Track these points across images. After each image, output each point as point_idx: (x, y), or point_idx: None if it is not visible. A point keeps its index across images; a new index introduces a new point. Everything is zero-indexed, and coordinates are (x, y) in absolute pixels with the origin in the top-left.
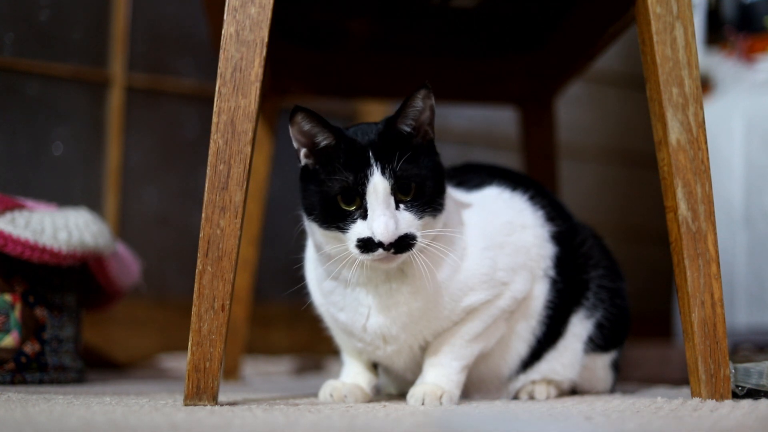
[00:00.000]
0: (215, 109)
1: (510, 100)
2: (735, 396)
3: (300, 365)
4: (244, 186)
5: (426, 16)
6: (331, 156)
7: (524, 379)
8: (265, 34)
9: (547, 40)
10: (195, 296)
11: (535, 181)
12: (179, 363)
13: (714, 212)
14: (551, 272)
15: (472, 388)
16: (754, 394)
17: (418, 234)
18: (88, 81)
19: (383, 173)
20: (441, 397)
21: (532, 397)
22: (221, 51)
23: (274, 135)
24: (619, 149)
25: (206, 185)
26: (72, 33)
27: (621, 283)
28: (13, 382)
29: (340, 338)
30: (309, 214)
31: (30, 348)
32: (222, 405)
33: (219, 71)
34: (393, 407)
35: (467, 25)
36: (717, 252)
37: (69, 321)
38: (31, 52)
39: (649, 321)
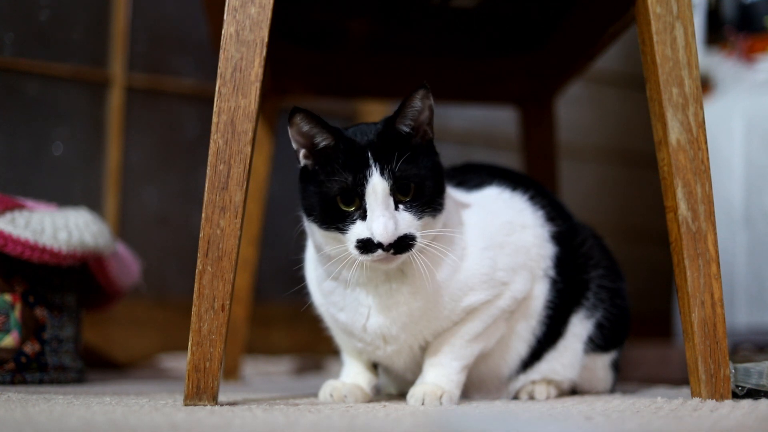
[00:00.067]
0: (215, 109)
1: (510, 100)
2: (735, 396)
3: (300, 365)
4: (244, 186)
5: (426, 16)
6: (330, 157)
7: (524, 379)
8: (265, 34)
9: (547, 40)
10: (195, 296)
11: (535, 181)
12: (179, 363)
13: (714, 212)
14: (551, 272)
15: (472, 388)
16: (754, 394)
17: (417, 234)
18: (88, 81)
19: (382, 174)
20: (441, 397)
21: (532, 397)
22: (221, 51)
23: (274, 135)
24: (619, 149)
25: (206, 185)
26: (72, 33)
27: (621, 283)
28: (13, 382)
29: (340, 338)
30: (308, 215)
31: (30, 348)
32: (222, 405)
33: (219, 71)
34: (393, 407)
35: (467, 25)
36: (717, 252)
37: (69, 321)
38: (31, 52)
39: (649, 321)
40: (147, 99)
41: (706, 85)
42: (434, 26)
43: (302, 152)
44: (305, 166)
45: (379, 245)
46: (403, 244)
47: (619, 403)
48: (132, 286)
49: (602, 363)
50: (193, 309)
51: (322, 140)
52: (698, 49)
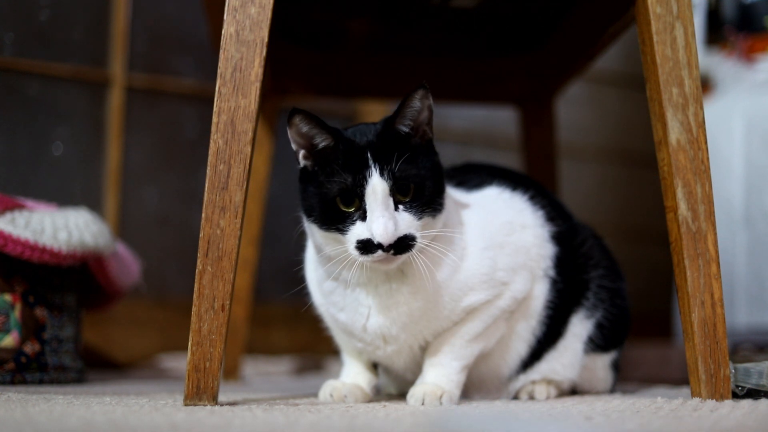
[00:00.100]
0: (215, 109)
1: (510, 100)
2: (735, 396)
3: (300, 365)
4: (244, 186)
5: (426, 16)
6: (330, 157)
7: (524, 379)
8: (265, 34)
9: (547, 40)
10: (195, 296)
11: (535, 181)
12: (179, 363)
13: (714, 212)
14: (551, 272)
15: (472, 388)
16: (754, 394)
17: (417, 235)
18: (88, 81)
19: (382, 174)
20: (441, 397)
21: (532, 397)
22: (221, 51)
23: (274, 135)
24: (619, 149)
25: (206, 185)
26: (72, 33)
27: (621, 283)
28: (13, 382)
29: (340, 338)
30: (308, 215)
31: (30, 348)
32: (222, 405)
33: (219, 71)
34: (393, 407)
35: (467, 25)
36: (717, 252)
37: (69, 321)
38: (31, 52)
39: (649, 321)
40: (147, 99)
41: (706, 85)
42: (434, 26)
43: (302, 153)
44: (305, 167)
45: (379, 246)
46: (403, 244)
47: (619, 403)
48: (132, 286)
49: (602, 363)
50: (193, 309)
51: (322, 141)
52: (698, 49)
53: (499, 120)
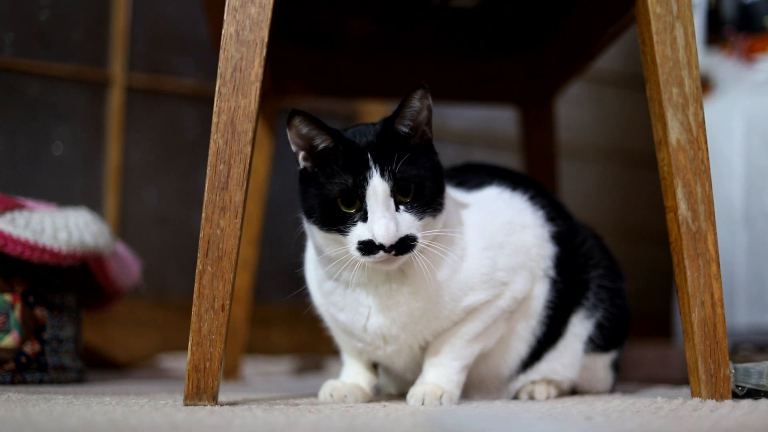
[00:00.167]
0: (215, 109)
1: (510, 100)
2: (735, 396)
3: (300, 365)
4: (244, 186)
5: (426, 16)
6: (330, 158)
7: (524, 379)
8: (265, 34)
9: (547, 40)
10: (195, 296)
11: (535, 181)
12: (179, 363)
13: (714, 212)
14: (551, 272)
15: (472, 388)
16: (754, 394)
17: (418, 235)
18: (88, 81)
19: (382, 175)
20: (441, 397)
21: (532, 397)
22: (221, 51)
23: (274, 135)
24: (619, 149)
25: (206, 185)
26: (72, 33)
27: (621, 283)
28: (13, 382)
29: (340, 338)
30: (309, 217)
31: (30, 348)
32: (222, 405)
33: (219, 71)
34: (393, 407)
35: (467, 25)
36: (717, 252)
37: (69, 321)
38: (31, 52)
39: (649, 321)
40: (147, 99)
41: (706, 85)
42: (434, 26)
43: (301, 154)
44: (304, 169)
45: (381, 247)
46: (404, 245)
47: (619, 403)
48: (132, 286)
49: (602, 363)
50: (193, 309)
51: (321, 142)
52: (698, 49)
53: (499, 120)
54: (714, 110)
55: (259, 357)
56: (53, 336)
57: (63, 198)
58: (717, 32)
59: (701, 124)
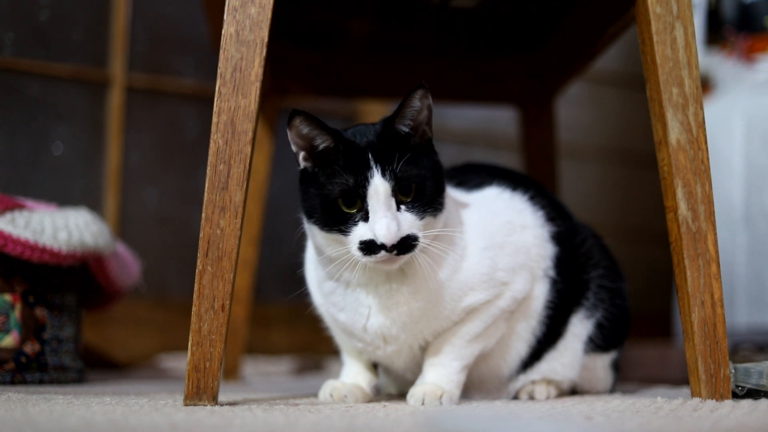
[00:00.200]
0: (215, 109)
1: (510, 100)
2: (735, 396)
3: (300, 365)
4: (244, 186)
5: (426, 16)
6: (331, 159)
7: (524, 379)
8: (265, 34)
9: (547, 40)
10: (195, 296)
11: (535, 181)
12: (179, 363)
13: (714, 212)
14: (551, 272)
15: (472, 388)
16: (754, 394)
17: (419, 234)
18: (88, 81)
19: (383, 175)
20: (441, 397)
21: (532, 397)
22: (221, 51)
23: (274, 135)
24: (619, 149)
25: (206, 185)
26: (72, 33)
27: (621, 283)
28: (13, 382)
29: (340, 338)
30: (309, 217)
31: (30, 348)
32: (222, 405)
33: (219, 71)
34: (393, 407)
35: (467, 25)
36: (717, 252)
37: (69, 321)
38: (31, 52)
39: (649, 321)
40: (147, 99)
41: (706, 85)
42: (434, 26)
43: (302, 155)
44: (305, 169)
45: (382, 246)
46: (406, 244)
47: (619, 403)
48: (132, 286)
49: (602, 363)
50: (193, 309)
51: (322, 142)
52: (698, 49)
53: (499, 120)
54: (714, 110)
55: (259, 357)
56: (53, 336)
57: (63, 198)
58: (717, 32)
59: (701, 124)
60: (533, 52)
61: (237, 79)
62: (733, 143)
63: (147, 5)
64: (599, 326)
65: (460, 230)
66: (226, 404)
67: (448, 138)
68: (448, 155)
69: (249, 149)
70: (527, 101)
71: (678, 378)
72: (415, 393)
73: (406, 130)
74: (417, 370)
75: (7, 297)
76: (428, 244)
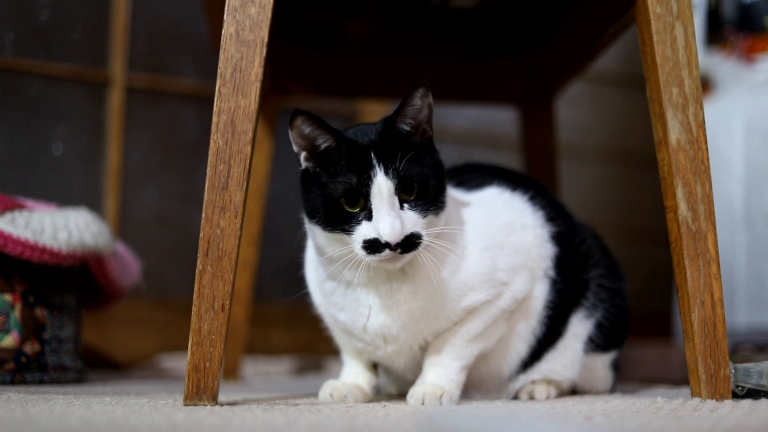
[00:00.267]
0: (215, 109)
1: (510, 100)
2: (735, 396)
3: (300, 365)
4: (244, 186)
5: (426, 16)
6: (333, 158)
7: (524, 379)
8: (265, 34)
9: (547, 40)
10: (195, 296)
11: (535, 181)
12: (179, 363)
13: (714, 212)
14: (551, 272)
15: (472, 388)
16: (754, 394)
17: (423, 233)
18: (88, 81)
19: (386, 173)
20: (441, 397)
21: (532, 397)
22: (221, 51)
23: (274, 135)
24: (619, 149)
25: (206, 185)
26: (72, 33)
27: (621, 282)
28: (13, 382)
29: (340, 338)
30: (311, 217)
31: (30, 348)
32: (222, 405)
33: (219, 71)
34: (393, 407)
35: (467, 25)
36: (717, 252)
37: (69, 321)
38: (31, 52)
39: (649, 321)
40: (147, 99)
41: (706, 85)
42: (434, 26)
43: (303, 155)
44: (306, 169)
45: (387, 245)
46: (409, 243)
47: (619, 403)
48: (132, 286)
49: (602, 363)
50: (193, 309)
51: (324, 142)
52: (698, 49)
53: (499, 120)
54: (714, 110)
55: (259, 357)
56: (53, 336)
57: (63, 198)
58: (717, 32)
59: (701, 124)
60: (533, 52)
61: (237, 79)
62: (733, 143)
63: (147, 5)
64: (599, 326)
65: (461, 229)
66: (226, 404)
67: (448, 138)
68: (448, 155)
69: (249, 149)
70: (527, 101)
71: (678, 378)
72: (415, 393)
73: (408, 128)
74: (417, 370)
75: (7, 297)
76: (431, 242)
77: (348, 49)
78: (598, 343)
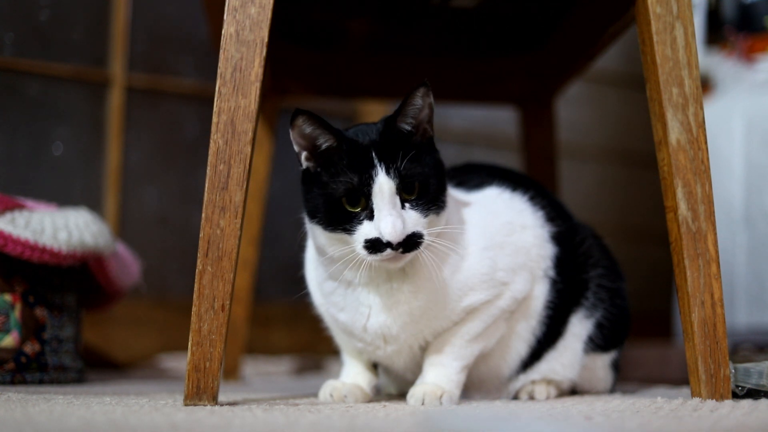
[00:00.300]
0: (215, 109)
1: (510, 100)
2: (735, 396)
3: (300, 365)
4: (244, 186)
5: (426, 16)
6: (334, 158)
7: (524, 379)
8: (265, 34)
9: (547, 40)
10: (195, 296)
11: (535, 181)
12: (179, 363)
13: (714, 212)
14: (551, 272)
15: (472, 388)
16: (754, 394)
17: (424, 232)
18: (88, 81)
19: (388, 173)
20: (441, 397)
21: (532, 397)
22: (221, 51)
23: (274, 135)
24: (619, 149)
25: (206, 185)
26: (72, 33)
27: (621, 282)
28: (13, 382)
29: (340, 338)
30: (312, 217)
31: (30, 348)
32: (222, 405)
33: (219, 71)
34: (393, 407)
35: (467, 25)
36: (717, 252)
37: (69, 321)
38: (31, 52)
39: (649, 321)
40: (147, 99)
41: (706, 85)
42: (434, 26)
43: (304, 155)
44: (307, 169)
45: (388, 244)
46: (411, 242)
47: (619, 403)
48: (132, 286)
49: (602, 363)
50: (193, 309)
51: (325, 141)
52: (698, 49)
53: (499, 120)
54: (714, 110)
55: (259, 357)
56: (53, 336)
57: (63, 198)
58: (717, 32)
59: (701, 124)
60: (533, 52)
61: (237, 79)
62: (733, 143)
63: (147, 5)
64: (599, 326)
65: (461, 229)
66: (226, 404)
67: (449, 138)
68: (449, 155)
69: (249, 149)
70: (527, 101)
71: (678, 378)
72: (415, 393)
73: (408, 128)
74: (417, 370)
75: (7, 297)
76: (432, 242)
77: (348, 49)
78: (598, 343)
